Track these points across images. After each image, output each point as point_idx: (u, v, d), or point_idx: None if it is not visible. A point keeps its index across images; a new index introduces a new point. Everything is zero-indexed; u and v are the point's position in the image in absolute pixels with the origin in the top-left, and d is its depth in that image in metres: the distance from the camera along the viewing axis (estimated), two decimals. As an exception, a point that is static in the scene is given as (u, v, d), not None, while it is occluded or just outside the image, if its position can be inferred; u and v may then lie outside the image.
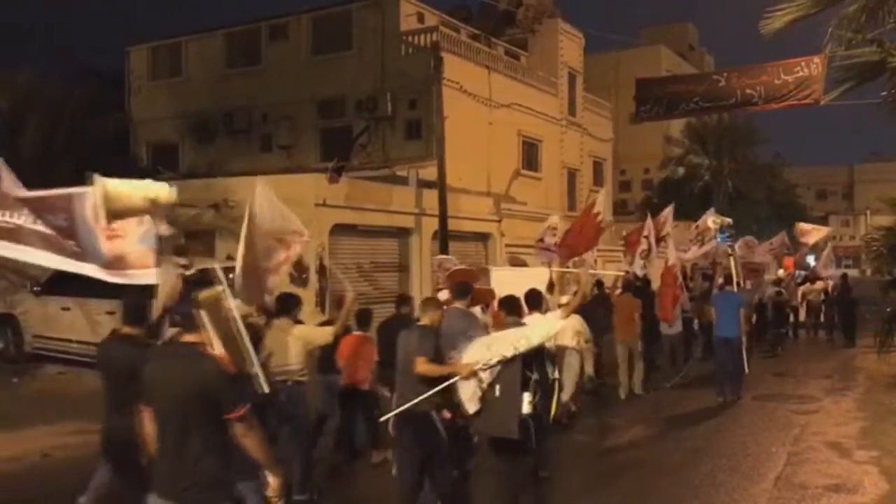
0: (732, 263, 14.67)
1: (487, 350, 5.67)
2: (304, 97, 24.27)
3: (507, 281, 9.13)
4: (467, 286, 7.37)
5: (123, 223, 4.86)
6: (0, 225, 4.88)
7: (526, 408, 5.60)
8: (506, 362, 5.53)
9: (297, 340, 6.69)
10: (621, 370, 12.07)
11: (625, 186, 49.76)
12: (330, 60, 24.23)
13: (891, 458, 8.38)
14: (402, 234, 17.93)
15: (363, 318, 8.19)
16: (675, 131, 44.05)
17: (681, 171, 44.30)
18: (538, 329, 5.97)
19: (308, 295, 13.08)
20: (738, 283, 14.28)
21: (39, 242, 4.89)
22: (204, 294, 4.64)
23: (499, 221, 21.24)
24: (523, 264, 12.10)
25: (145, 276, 5.14)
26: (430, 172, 19.21)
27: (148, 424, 4.00)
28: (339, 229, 15.75)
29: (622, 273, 13.60)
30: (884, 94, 11.18)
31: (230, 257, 15.54)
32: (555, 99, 29.00)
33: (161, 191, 5.05)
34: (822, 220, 60.95)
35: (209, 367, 3.90)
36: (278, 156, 24.42)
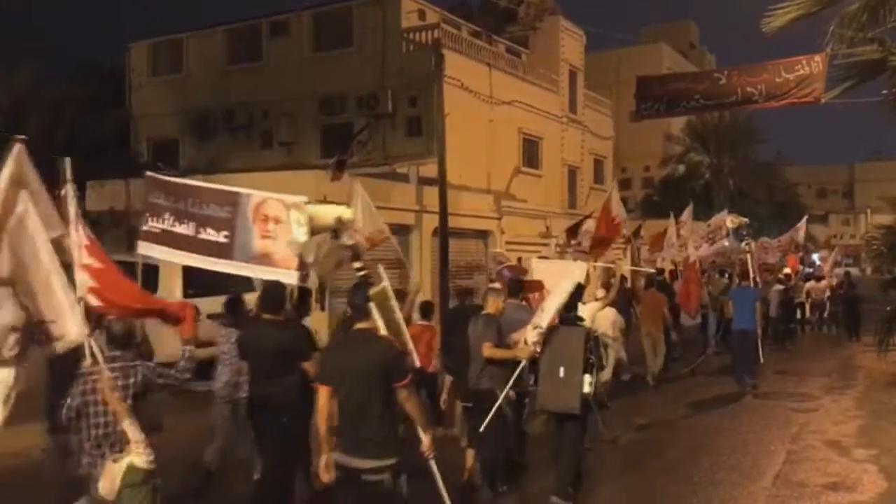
0: (749, 260, 15.89)
1: (537, 331, 6.68)
2: (304, 94, 24.27)
3: (547, 272, 9.62)
4: (520, 285, 8.38)
5: (277, 227, 5.62)
6: (150, 230, 5.77)
7: (586, 388, 6.39)
8: (567, 345, 6.50)
9: None
10: (649, 358, 12.90)
11: (625, 184, 49.74)
12: (331, 57, 24.23)
13: (889, 457, 8.39)
14: (402, 231, 17.91)
15: (426, 310, 9.23)
16: (676, 129, 44.05)
17: (681, 169, 44.32)
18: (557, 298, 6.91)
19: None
20: (755, 280, 15.37)
21: (182, 244, 5.67)
22: (374, 290, 5.72)
23: (499, 219, 21.24)
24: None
25: (286, 275, 5.78)
26: (430, 169, 19.20)
27: (323, 401, 4.80)
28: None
29: (652, 271, 14.78)
30: (884, 92, 11.18)
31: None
32: (556, 96, 29.00)
33: (346, 212, 6.22)
34: (823, 219, 61.10)
35: (385, 347, 5.02)
36: (279, 152, 24.44)
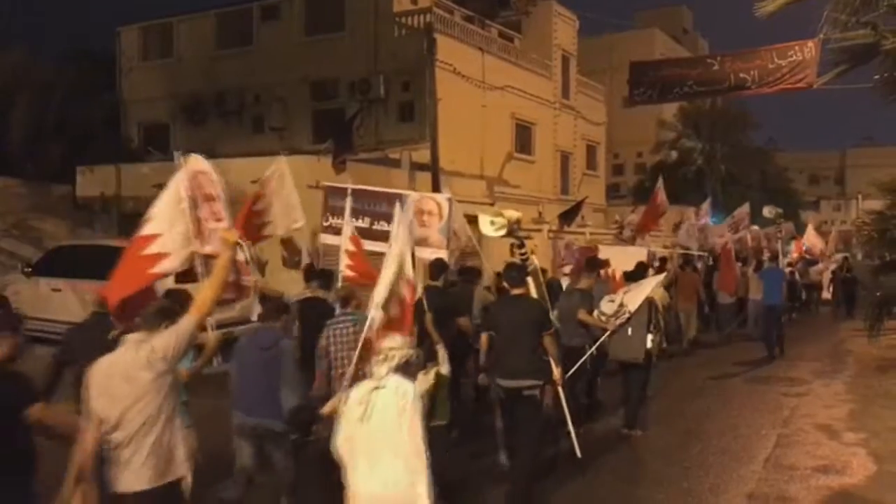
0: (779, 246, 18.59)
1: (612, 304, 8.55)
2: (296, 78, 24.14)
3: (613, 257, 11.62)
4: (596, 262, 10.19)
5: (432, 218, 7.63)
6: (331, 225, 7.70)
7: (649, 343, 8.48)
8: (635, 312, 8.29)
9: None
10: (685, 327, 14.68)
11: (618, 170, 49.79)
12: (322, 41, 24.08)
13: (878, 440, 8.44)
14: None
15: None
16: (669, 115, 44.04)
17: (674, 154, 44.36)
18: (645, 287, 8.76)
19: (300, 278, 13.06)
20: (789, 263, 17.94)
21: (360, 234, 7.41)
22: (531, 268, 7.51)
23: (492, 204, 21.20)
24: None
25: (437, 253, 7.93)
26: (422, 155, 19.16)
27: (485, 343, 6.86)
28: (331, 212, 15.70)
29: (697, 254, 16.89)
30: (877, 77, 11.18)
31: (222, 239, 15.60)
32: (548, 82, 28.92)
33: (517, 214, 8.36)
34: (814, 205, 61.30)
35: (538, 306, 6.88)
36: (270, 137, 24.32)
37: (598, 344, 8.46)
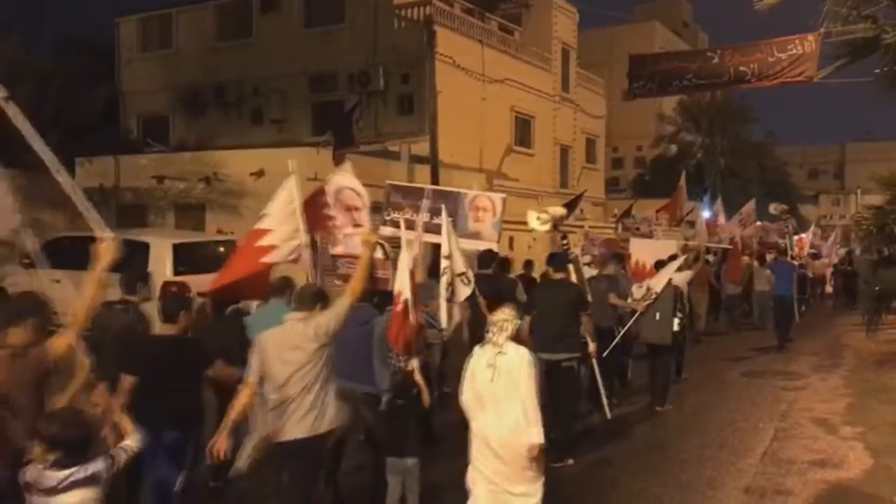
0: (788, 241, 20.20)
1: (641, 289, 9.83)
2: (295, 71, 24.08)
3: (644, 249, 12.43)
4: (618, 256, 11.26)
5: (486, 214, 8.52)
6: (392, 219, 8.37)
7: (676, 327, 9.51)
8: (662, 298, 9.36)
9: None
10: (699, 313, 15.30)
11: (617, 164, 49.77)
12: (322, 34, 24.02)
13: (876, 434, 8.47)
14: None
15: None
16: (668, 109, 43.97)
17: (673, 148, 44.28)
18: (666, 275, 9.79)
19: (299, 271, 13.06)
20: (791, 256, 18.95)
21: (419, 227, 8.00)
22: (572, 256, 8.52)
23: (490, 197, 21.21)
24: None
25: (488, 245, 8.75)
26: (422, 148, 19.15)
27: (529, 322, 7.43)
28: (330, 204, 15.69)
29: (722, 247, 17.92)
30: (877, 71, 11.17)
31: (220, 231, 15.58)
32: (548, 75, 28.86)
33: (561, 210, 9.56)
34: (813, 199, 61.22)
35: (577, 289, 8.01)
36: (269, 129, 24.28)
37: (626, 327, 9.65)
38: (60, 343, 4.11)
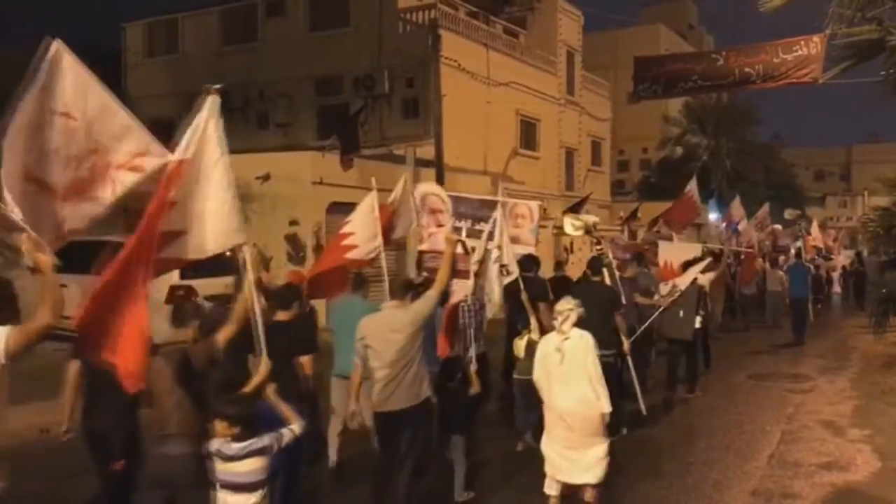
0: (802, 244, 20.68)
1: (667, 286, 10.54)
2: (301, 75, 24.13)
3: (671, 251, 12.93)
4: (639, 256, 12.21)
5: (524, 221, 8.89)
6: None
7: (697, 324, 10.40)
8: (686, 296, 10.17)
9: None
10: (715, 312, 15.41)
11: (623, 166, 49.66)
12: (327, 38, 24.07)
13: (883, 437, 8.45)
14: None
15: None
16: (674, 111, 43.88)
17: (679, 150, 44.17)
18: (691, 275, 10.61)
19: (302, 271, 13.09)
20: (806, 259, 19.30)
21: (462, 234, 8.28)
22: (606, 261, 9.44)
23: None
24: None
25: (527, 249, 9.27)
26: (427, 151, 19.16)
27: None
28: (336, 207, 15.73)
29: (743, 249, 18.19)
30: (883, 73, 11.14)
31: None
32: (553, 78, 28.86)
33: (594, 218, 11.00)
34: (820, 201, 61.04)
35: (611, 291, 8.76)
36: (275, 133, 24.34)
37: (648, 322, 10.36)
38: (223, 336, 4.72)
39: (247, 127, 25.00)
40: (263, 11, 25.81)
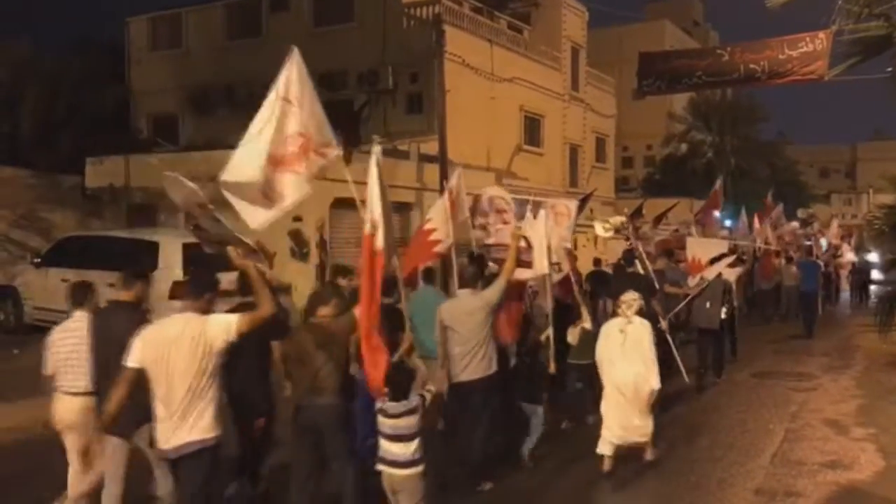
0: (814, 242, 22.16)
1: (694, 279, 11.49)
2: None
3: (699, 247, 13.01)
4: (668, 252, 13.19)
5: (563, 218, 9.29)
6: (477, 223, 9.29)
7: (723, 314, 11.14)
8: (713, 289, 11.06)
9: None
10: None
11: (627, 163, 49.62)
12: (331, 33, 24.02)
13: (888, 436, 8.41)
14: (403, 208, 17.89)
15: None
16: (678, 108, 43.82)
17: (683, 147, 44.10)
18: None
19: (308, 270, 13.08)
20: (817, 255, 20.81)
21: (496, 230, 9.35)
22: (638, 253, 10.73)
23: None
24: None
25: (564, 245, 9.53)
26: (431, 147, 19.12)
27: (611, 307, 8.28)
28: (339, 203, 15.70)
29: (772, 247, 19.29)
30: (889, 69, 11.09)
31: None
32: (557, 74, 28.80)
33: (621, 218, 11.46)
34: (825, 199, 60.89)
35: (645, 279, 9.77)
36: (279, 129, 24.28)
37: (675, 311, 11.25)
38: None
39: (250, 122, 24.96)
40: (268, 6, 25.78)
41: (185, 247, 12.30)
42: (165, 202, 18.64)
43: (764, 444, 8.12)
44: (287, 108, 5.56)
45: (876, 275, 23.41)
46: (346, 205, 15.82)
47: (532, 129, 27.35)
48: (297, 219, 16.01)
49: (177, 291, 11.40)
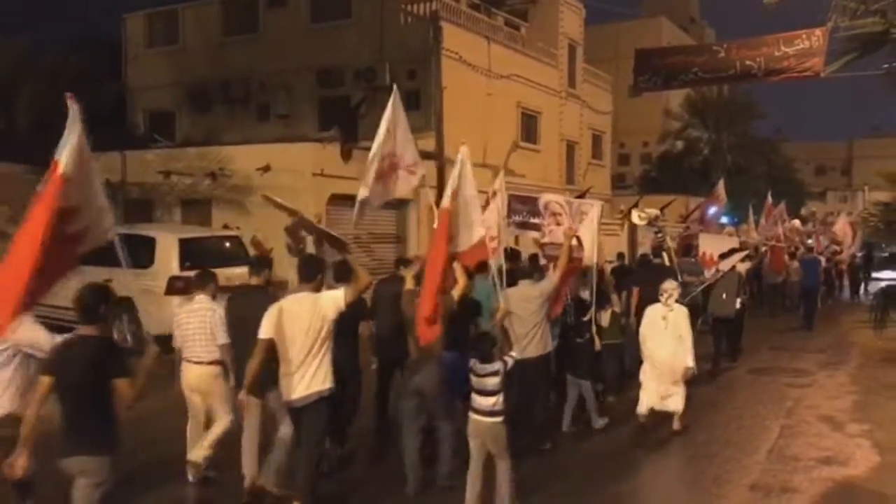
0: (815, 239, 22.97)
1: (710, 271, 12.44)
2: (302, 66, 24.03)
3: (710, 243, 13.93)
4: (690, 248, 14.41)
5: (586, 217, 9.42)
6: (514, 221, 9.92)
7: (738, 305, 12.21)
8: (728, 280, 12.12)
9: None
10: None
11: (623, 160, 49.61)
12: (329, 29, 23.97)
13: (882, 432, 8.45)
14: (399, 205, 17.89)
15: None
16: (675, 105, 43.79)
17: (679, 144, 44.08)
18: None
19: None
20: (819, 252, 21.66)
21: (536, 228, 9.97)
22: (665, 246, 12.00)
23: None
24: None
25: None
26: (428, 143, 19.08)
27: (636, 296, 10.53)
28: (336, 199, 15.72)
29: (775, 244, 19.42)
30: (885, 66, 11.11)
31: (226, 226, 15.61)
32: (554, 71, 28.79)
33: (655, 211, 13.04)
34: (821, 196, 60.98)
35: (669, 270, 10.37)
36: (276, 125, 24.24)
37: (690, 296, 11.35)
38: (456, 293, 6.69)
39: (247, 118, 24.94)
40: (265, 2, 25.67)
41: (182, 242, 12.30)
42: (161, 198, 18.73)
43: (760, 441, 8.16)
44: (387, 137, 6.77)
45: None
46: (343, 200, 15.84)
47: (529, 125, 27.34)
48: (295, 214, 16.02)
49: (173, 286, 11.43)
